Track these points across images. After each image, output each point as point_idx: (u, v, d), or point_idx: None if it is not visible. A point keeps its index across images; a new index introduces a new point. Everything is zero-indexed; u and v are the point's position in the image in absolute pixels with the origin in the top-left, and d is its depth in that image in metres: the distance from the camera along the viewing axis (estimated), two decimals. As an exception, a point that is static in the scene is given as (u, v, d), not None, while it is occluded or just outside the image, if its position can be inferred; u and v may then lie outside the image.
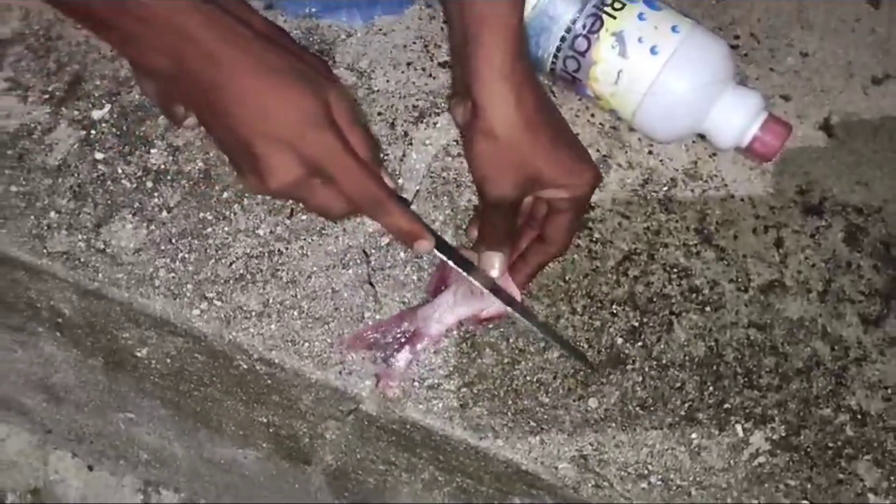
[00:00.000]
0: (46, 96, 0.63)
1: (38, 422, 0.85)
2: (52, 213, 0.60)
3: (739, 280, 0.62)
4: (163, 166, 0.62)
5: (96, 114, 0.63)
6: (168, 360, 0.64)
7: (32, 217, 0.59)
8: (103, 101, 0.64)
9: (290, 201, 0.61)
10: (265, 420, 0.68)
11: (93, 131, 0.62)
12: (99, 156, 0.62)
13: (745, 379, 0.60)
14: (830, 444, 0.59)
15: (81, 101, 0.63)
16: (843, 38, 0.71)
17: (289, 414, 0.64)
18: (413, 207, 0.62)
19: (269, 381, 0.61)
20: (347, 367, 0.57)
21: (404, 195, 0.62)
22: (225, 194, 0.61)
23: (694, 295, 0.61)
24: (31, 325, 0.68)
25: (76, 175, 0.61)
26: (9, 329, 0.71)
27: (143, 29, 0.46)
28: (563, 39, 0.61)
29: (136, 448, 0.82)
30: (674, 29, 0.59)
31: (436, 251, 0.55)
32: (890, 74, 0.69)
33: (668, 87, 0.59)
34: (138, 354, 0.65)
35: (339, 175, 0.49)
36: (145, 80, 0.63)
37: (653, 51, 0.59)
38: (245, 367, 0.60)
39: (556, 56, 0.62)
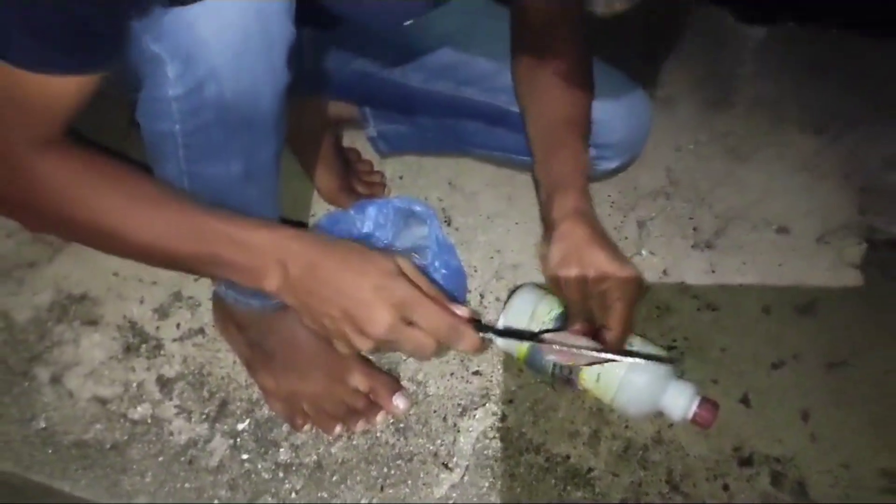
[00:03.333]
0: (204, 416, 0.91)
1: None
2: (215, 502, 0.85)
3: (703, 518, 0.87)
4: (288, 460, 0.88)
5: (240, 426, 0.90)
6: None
7: (201, 505, 0.84)
8: (244, 417, 0.91)
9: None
10: None
11: (238, 439, 0.89)
12: (244, 456, 0.88)
13: (717, 592, 0.82)
14: None
15: (229, 418, 0.91)
16: (749, 336, 1.02)
17: None
18: (465, 479, 0.88)
19: None
20: None
21: (457, 471, 0.88)
22: (334, 477, 0.87)
23: (672, 530, 0.86)
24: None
25: (229, 472, 0.87)
26: None
27: (258, 259, 0.64)
28: (558, 356, 0.91)
29: None
30: (630, 345, 0.90)
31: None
32: (784, 361, 1.00)
33: (631, 384, 0.88)
34: None
35: (418, 311, 0.63)
36: (273, 400, 0.91)
37: (618, 360, 0.88)
38: None
39: (554, 366, 0.92)
